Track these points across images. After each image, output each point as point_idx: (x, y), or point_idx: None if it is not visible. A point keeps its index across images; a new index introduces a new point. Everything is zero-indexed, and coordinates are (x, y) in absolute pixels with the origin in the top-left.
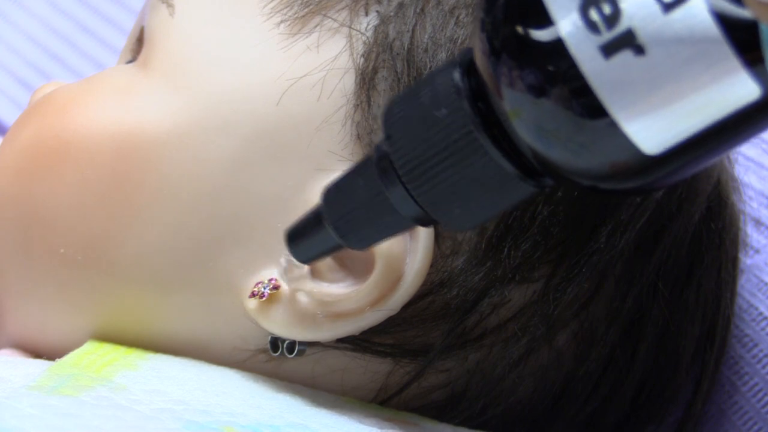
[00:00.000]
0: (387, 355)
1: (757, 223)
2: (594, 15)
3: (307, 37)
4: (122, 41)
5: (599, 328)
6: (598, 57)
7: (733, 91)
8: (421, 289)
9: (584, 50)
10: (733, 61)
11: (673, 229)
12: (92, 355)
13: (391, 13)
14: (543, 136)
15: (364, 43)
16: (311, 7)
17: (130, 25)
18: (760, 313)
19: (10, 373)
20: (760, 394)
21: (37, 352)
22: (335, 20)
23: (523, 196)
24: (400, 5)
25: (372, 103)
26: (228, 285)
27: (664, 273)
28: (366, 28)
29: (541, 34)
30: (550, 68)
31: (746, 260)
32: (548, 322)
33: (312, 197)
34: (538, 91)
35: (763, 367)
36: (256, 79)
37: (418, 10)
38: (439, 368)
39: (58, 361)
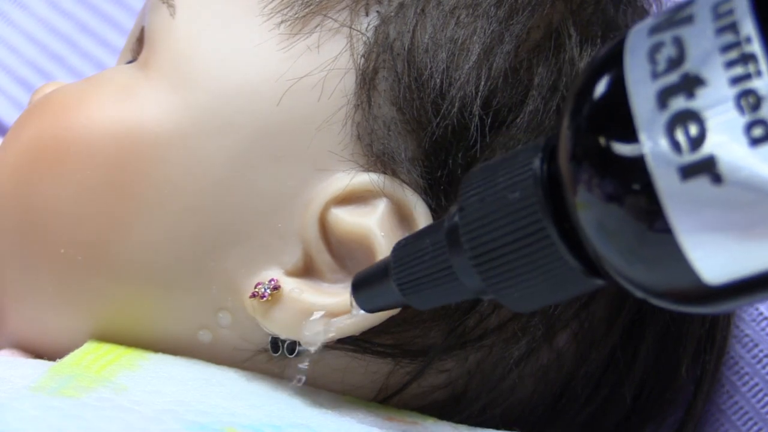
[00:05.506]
0: (387, 356)
1: None
2: (680, 135)
3: (307, 37)
4: (122, 41)
5: (599, 329)
6: (675, 178)
7: None
8: None
9: (663, 169)
10: None
11: None
12: (92, 354)
13: (392, 14)
14: (608, 241)
15: (365, 43)
16: (312, 7)
17: (130, 25)
18: (761, 313)
19: (10, 374)
20: (760, 395)
21: (37, 352)
22: (336, 20)
23: (585, 290)
24: (401, 5)
25: (372, 103)
26: (228, 285)
27: None
28: (366, 28)
29: (623, 149)
30: (627, 181)
31: None
32: (548, 322)
33: (312, 197)
34: (611, 198)
35: (763, 367)
36: (256, 79)
37: (418, 10)
38: (439, 368)
39: (59, 361)
